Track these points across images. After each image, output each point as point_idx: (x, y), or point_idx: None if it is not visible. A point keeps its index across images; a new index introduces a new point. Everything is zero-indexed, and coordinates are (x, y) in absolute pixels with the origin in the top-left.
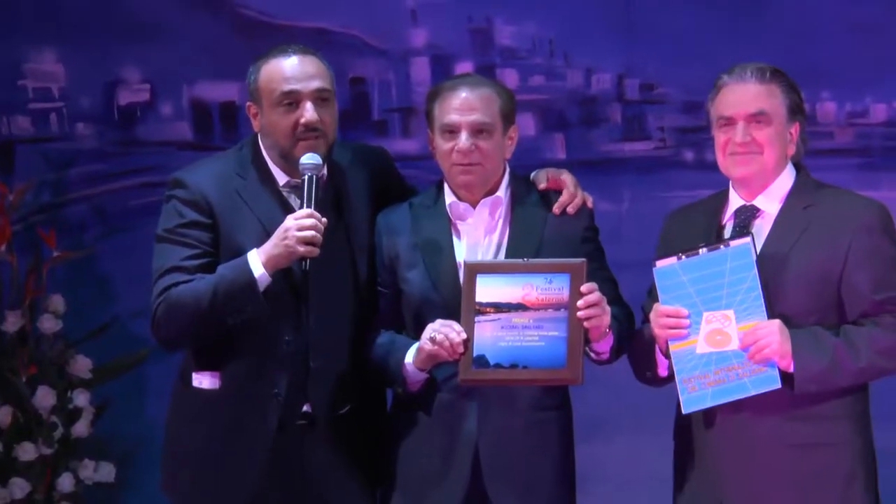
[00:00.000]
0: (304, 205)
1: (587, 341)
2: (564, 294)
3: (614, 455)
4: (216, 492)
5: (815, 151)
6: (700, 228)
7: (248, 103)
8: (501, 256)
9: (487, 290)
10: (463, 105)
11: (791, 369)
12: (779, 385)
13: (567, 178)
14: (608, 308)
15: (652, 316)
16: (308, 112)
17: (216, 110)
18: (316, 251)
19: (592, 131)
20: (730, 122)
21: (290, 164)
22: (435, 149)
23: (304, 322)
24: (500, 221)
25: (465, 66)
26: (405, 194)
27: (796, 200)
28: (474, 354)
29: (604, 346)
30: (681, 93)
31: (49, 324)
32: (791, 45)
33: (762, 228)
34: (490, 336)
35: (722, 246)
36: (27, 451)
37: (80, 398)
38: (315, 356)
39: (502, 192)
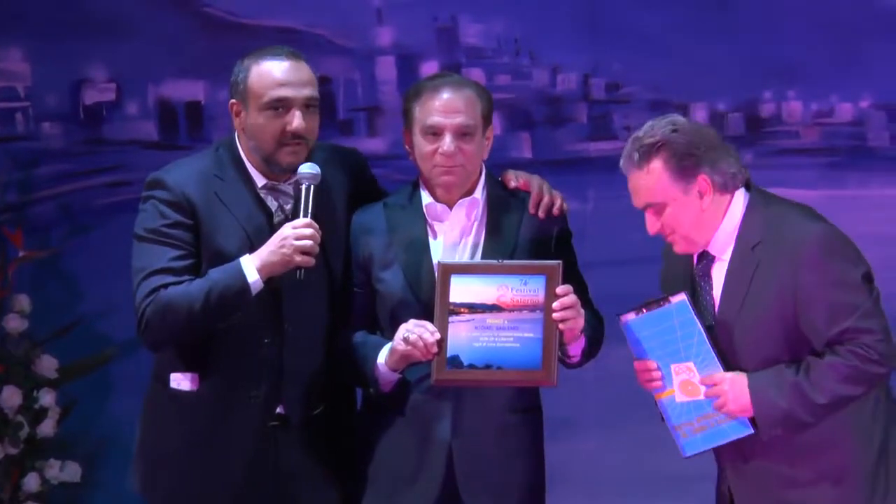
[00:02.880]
0: (302, 214)
1: (561, 343)
2: (540, 296)
3: (580, 455)
4: (197, 494)
5: (781, 151)
6: (679, 271)
7: (231, 100)
8: (478, 257)
9: (462, 290)
10: (447, 107)
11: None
12: (751, 431)
13: (532, 178)
14: (582, 311)
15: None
16: (297, 120)
17: (181, 109)
18: (312, 261)
19: (558, 130)
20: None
21: (270, 167)
22: (413, 148)
23: (280, 324)
24: (477, 223)
25: (430, 66)
26: (378, 195)
27: (745, 240)
28: (448, 355)
29: (576, 349)
30: (647, 92)
31: (15, 323)
32: (757, 45)
33: (720, 274)
34: (464, 336)
35: (664, 303)
36: None
37: (46, 398)
38: (289, 358)
39: (479, 194)
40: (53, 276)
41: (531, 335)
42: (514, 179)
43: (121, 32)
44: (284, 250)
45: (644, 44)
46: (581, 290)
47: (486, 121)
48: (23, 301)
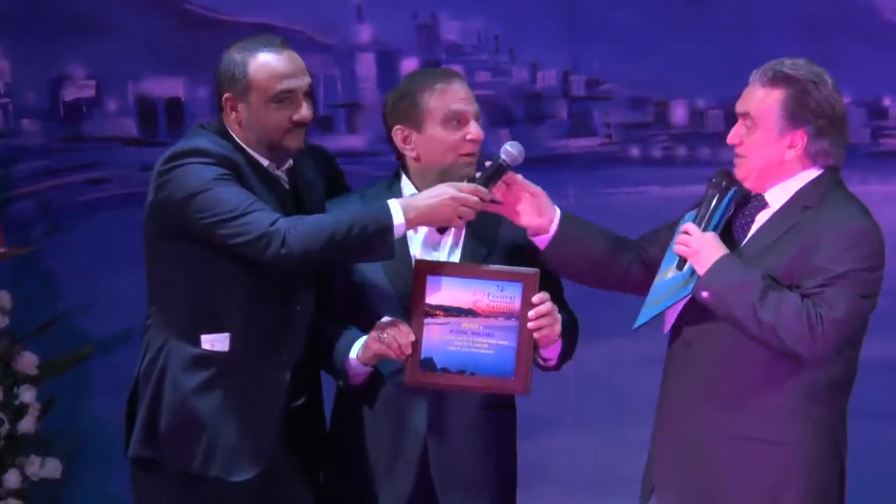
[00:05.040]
0: (484, 184)
1: (535, 349)
2: (516, 303)
3: (559, 453)
4: (239, 454)
5: None
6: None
7: (226, 95)
8: (457, 253)
9: (438, 292)
10: (466, 95)
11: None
12: (688, 292)
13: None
14: (559, 317)
15: None
16: (305, 109)
17: (161, 106)
18: (462, 224)
19: (538, 127)
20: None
21: (274, 153)
22: (424, 143)
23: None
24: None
25: (410, 62)
26: (346, 191)
27: (799, 200)
28: (422, 356)
29: (552, 352)
30: (626, 89)
31: None
32: (736, 41)
33: (762, 220)
34: (439, 339)
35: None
36: None
37: (27, 394)
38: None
39: None
40: (33, 274)
41: (506, 343)
42: None
43: (100, 29)
44: (448, 209)
45: (623, 41)
46: (557, 291)
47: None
48: (3, 298)
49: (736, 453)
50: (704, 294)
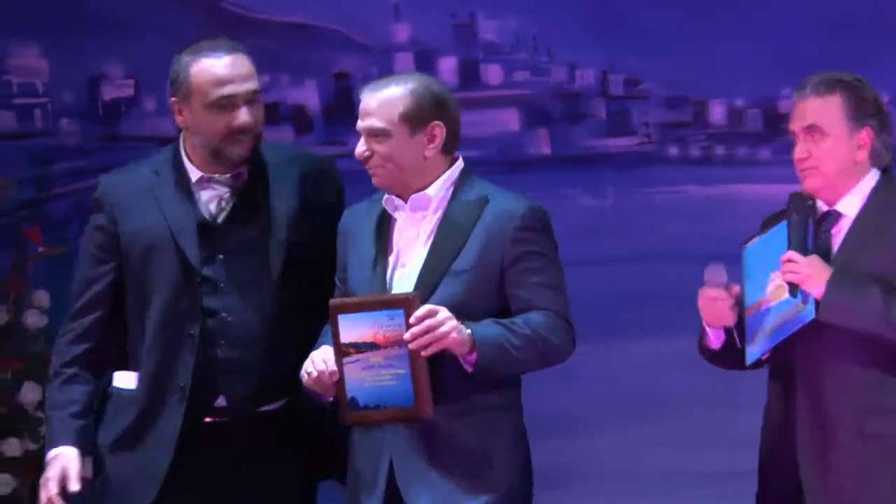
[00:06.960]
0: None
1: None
2: (403, 330)
3: (581, 452)
4: (124, 491)
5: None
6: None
7: (172, 99)
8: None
9: (348, 330)
10: (361, 110)
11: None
12: (812, 315)
13: None
14: (447, 329)
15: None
16: (243, 116)
17: None
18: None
19: (576, 126)
20: (794, 137)
21: (217, 160)
22: None
23: (214, 314)
24: (434, 218)
25: (448, 62)
26: (338, 205)
27: (875, 202)
28: (349, 397)
29: (468, 363)
30: (665, 88)
31: (34, 319)
32: (775, 41)
33: (843, 231)
34: (356, 377)
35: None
36: (12, 447)
37: None
38: (228, 350)
39: (433, 191)
40: (71, 273)
41: (402, 371)
42: None
43: (138, 28)
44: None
45: (662, 40)
46: (546, 295)
47: (416, 122)
48: (42, 297)
49: (873, 452)
50: (828, 314)
